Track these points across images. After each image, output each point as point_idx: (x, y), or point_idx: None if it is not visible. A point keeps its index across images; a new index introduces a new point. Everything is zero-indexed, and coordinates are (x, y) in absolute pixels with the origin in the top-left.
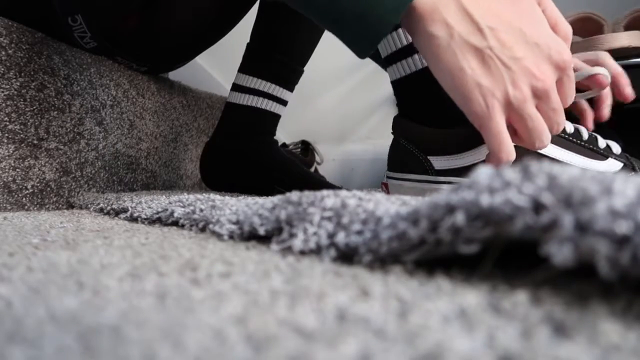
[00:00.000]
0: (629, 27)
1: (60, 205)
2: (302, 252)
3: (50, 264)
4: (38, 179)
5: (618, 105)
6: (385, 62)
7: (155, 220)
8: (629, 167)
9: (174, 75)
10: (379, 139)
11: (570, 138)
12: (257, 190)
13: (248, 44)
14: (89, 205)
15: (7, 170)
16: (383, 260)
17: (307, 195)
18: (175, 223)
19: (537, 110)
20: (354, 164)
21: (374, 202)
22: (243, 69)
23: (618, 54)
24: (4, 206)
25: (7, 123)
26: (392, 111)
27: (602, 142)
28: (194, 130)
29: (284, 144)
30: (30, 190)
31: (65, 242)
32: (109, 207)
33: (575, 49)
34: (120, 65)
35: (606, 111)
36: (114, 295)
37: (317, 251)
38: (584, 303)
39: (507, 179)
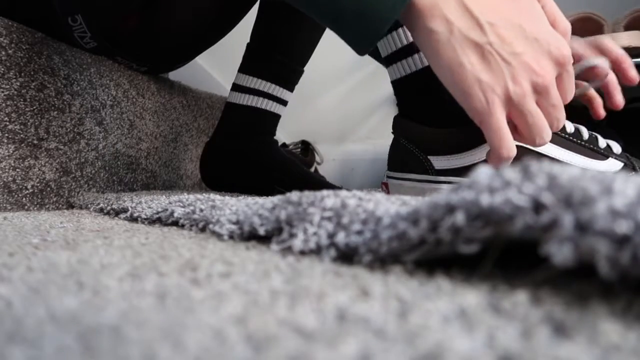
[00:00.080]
0: (629, 27)
1: (60, 205)
2: (302, 252)
3: (50, 264)
4: (38, 179)
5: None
6: (385, 62)
7: (155, 220)
8: (629, 166)
9: (174, 75)
10: (379, 139)
11: (571, 138)
12: (257, 190)
13: (248, 44)
14: (89, 205)
15: (7, 170)
16: (383, 260)
17: (307, 195)
18: (175, 223)
19: (537, 106)
20: (354, 164)
21: (374, 202)
22: (243, 69)
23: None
24: (4, 206)
25: (7, 123)
26: (392, 111)
27: (602, 142)
28: (194, 130)
29: (284, 144)
30: (30, 190)
31: (65, 242)
32: (109, 207)
33: None
34: (120, 65)
35: (619, 97)
36: (114, 295)
37: (317, 251)
38: (584, 303)
39: (507, 179)
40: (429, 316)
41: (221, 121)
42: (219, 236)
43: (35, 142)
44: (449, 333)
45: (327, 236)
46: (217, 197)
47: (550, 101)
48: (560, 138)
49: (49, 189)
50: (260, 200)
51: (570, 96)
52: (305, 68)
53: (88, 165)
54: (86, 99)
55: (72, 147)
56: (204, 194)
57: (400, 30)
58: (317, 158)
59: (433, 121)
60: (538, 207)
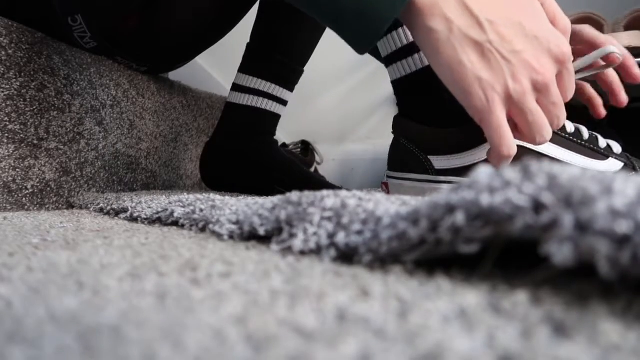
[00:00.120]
0: (629, 27)
1: (60, 205)
2: (302, 252)
3: (50, 264)
4: (38, 179)
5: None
6: (385, 62)
7: (155, 220)
8: (629, 166)
9: (174, 75)
10: (379, 139)
11: (571, 138)
12: (257, 190)
13: (248, 44)
14: (89, 205)
15: (7, 170)
16: (383, 260)
17: (307, 195)
18: (175, 223)
19: (538, 105)
20: (354, 164)
21: (374, 202)
22: (243, 69)
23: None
24: (4, 206)
25: (7, 123)
26: (392, 111)
27: (602, 142)
28: (194, 130)
29: (284, 144)
30: (30, 190)
31: (65, 242)
32: (109, 207)
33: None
34: (120, 65)
35: (623, 95)
36: (114, 295)
37: (317, 251)
38: (584, 303)
39: (507, 179)
40: (429, 316)
41: (221, 121)
42: (219, 236)
43: (35, 142)
44: (449, 333)
45: (327, 236)
46: (217, 197)
47: (551, 99)
48: (561, 138)
49: (49, 189)
50: (260, 200)
51: (570, 94)
52: (305, 68)
53: (88, 165)
54: (86, 99)
55: (72, 147)
56: (204, 194)
57: (400, 30)
58: (317, 158)
59: (433, 121)
60: (538, 207)
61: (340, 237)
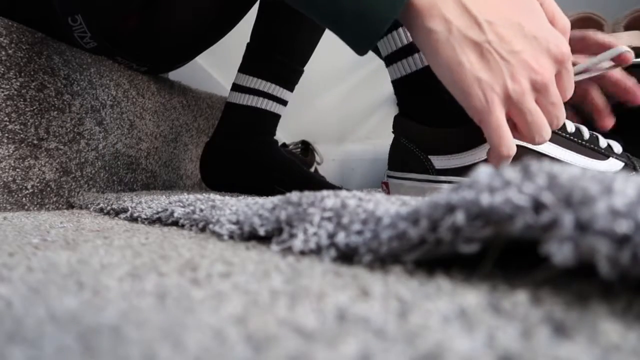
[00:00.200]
0: (629, 27)
1: (60, 205)
2: (302, 252)
3: (50, 264)
4: (38, 179)
5: (618, 105)
6: (385, 62)
7: (155, 220)
8: (630, 166)
9: (174, 75)
10: (379, 139)
11: (572, 137)
12: (257, 190)
13: (248, 44)
14: (89, 205)
15: (7, 170)
16: (383, 260)
17: (307, 195)
18: (175, 223)
19: (537, 105)
20: (354, 164)
21: (374, 202)
22: (243, 68)
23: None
24: (4, 206)
25: (7, 123)
26: (392, 111)
27: (603, 142)
28: (194, 130)
29: (284, 144)
30: (30, 190)
31: (65, 242)
32: (109, 207)
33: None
34: (120, 65)
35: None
36: (114, 295)
37: (317, 251)
38: (584, 303)
39: (507, 179)
40: (429, 316)
41: (221, 121)
42: (219, 236)
43: (35, 142)
44: (449, 333)
45: (327, 236)
46: (217, 197)
47: (550, 99)
48: (561, 138)
49: (49, 189)
50: (260, 200)
51: (569, 93)
52: (305, 68)
53: (88, 165)
54: (86, 99)
55: (72, 147)
56: (204, 194)
57: (400, 29)
58: (317, 158)
59: (433, 121)
60: (538, 206)
61: (340, 237)
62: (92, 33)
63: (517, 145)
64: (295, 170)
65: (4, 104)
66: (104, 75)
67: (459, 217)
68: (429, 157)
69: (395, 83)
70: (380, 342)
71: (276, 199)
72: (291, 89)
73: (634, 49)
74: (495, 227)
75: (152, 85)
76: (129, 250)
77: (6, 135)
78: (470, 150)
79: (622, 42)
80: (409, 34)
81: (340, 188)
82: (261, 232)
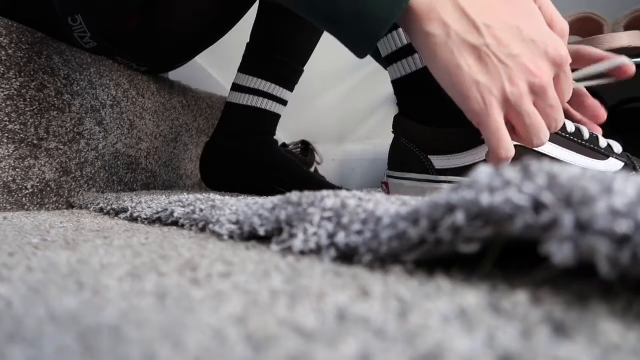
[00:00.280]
0: (629, 27)
1: (60, 205)
2: (302, 252)
3: (50, 264)
4: (38, 179)
5: (618, 105)
6: (385, 62)
7: (155, 220)
8: (630, 166)
9: (174, 75)
10: (379, 139)
11: (572, 137)
12: (257, 190)
13: (248, 44)
14: (89, 205)
15: (7, 170)
16: (383, 260)
17: (307, 195)
18: (175, 223)
19: (535, 108)
20: (354, 164)
21: (374, 202)
22: (243, 68)
23: (618, 54)
24: (4, 206)
25: (7, 123)
26: (392, 111)
27: (603, 142)
28: (194, 130)
29: (284, 144)
30: (30, 190)
31: (65, 242)
32: (109, 207)
33: None
34: (120, 65)
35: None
36: (114, 295)
37: (317, 251)
38: (584, 303)
39: (507, 179)
40: (429, 316)
41: (221, 121)
42: (219, 236)
43: (35, 142)
44: (449, 333)
45: (327, 236)
46: (217, 197)
47: (548, 102)
48: (561, 138)
49: (49, 189)
50: (260, 200)
51: (567, 96)
52: (305, 68)
53: (88, 165)
54: (86, 99)
55: (72, 147)
56: (204, 194)
57: (400, 30)
58: (317, 158)
59: (433, 121)
60: (538, 206)
61: (340, 237)
62: (92, 33)
63: (517, 146)
64: (295, 170)
65: (4, 104)
66: (104, 75)
67: (459, 217)
68: (429, 157)
69: (395, 83)
70: (380, 342)
71: (276, 199)
72: (291, 89)
73: (634, 49)
74: (495, 227)
75: (152, 85)
76: (129, 250)
77: (6, 135)
78: (470, 151)
79: (622, 42)
80: None
81: (340, 188)
82: (261, 232)
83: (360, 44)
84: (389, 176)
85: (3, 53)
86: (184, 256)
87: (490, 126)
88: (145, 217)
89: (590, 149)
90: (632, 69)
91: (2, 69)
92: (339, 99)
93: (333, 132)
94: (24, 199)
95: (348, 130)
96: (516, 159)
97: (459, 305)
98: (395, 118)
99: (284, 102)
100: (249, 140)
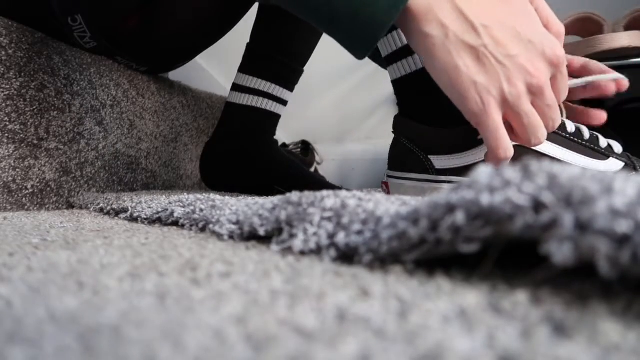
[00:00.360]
0: (629, 27)
1: (60, 205)
2: (302, 252)
3: (50, 264)
4: (38, 179)
5: (618, 105)
6: (385, 62)
7: (155, 220)
8: (630, 166)
9: (174, 75)
10: (379, 139)
11: (572, 137)
12: (257, 190)
13: (248, 44)
14: (89, 205)
15: (7, 170)
16: (383, 260)
17: (307, 195)
18: (175, 223)
19: (533, 107)
20: (354, 164)
21: (374, 202)
22: (243, 68)
23: (618, 54)
24: (4, 206)
25: (7, 123)
26: (392, 111)
27: (603, 142)
28: (194, 130)
29: (284, 144)
30: (30, 190)
31: (65, 242)
32: (109, 207)
33: (575, 49)
34: (120, 65)
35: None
36: (114, 295)
37: (317, 251)
38: (584, 303)
39: (507, 178)
40: (429, 316)
41: (221, 121)
42: (219, 236)
43: (35, 142)
44: (449, 333)
45: (327, 236)
46: (217, 197)
47: (545, 101)
48: (561, 138)
49: (49, 189)
50: (260, 200)
51: (564, 96)
52: (305, 68)
53: (88, 165)
54: (86, 99)
55: (72, 147)
56: (204, 194)
57: (400, 30)
58: (317, 158)
59: (433, 121)
60: (538, 206)
61: (340, 237)
62: (92, 33)
63: (518, 146)
64: (295, 170)
65: (4, 104)
66: (104, 75)
67: (459, 217)
68: (429, 157)
69: (395, 83)
70: (380, 342)
71: (276, 199)
72: (291, 89)
73: (634, 49)
74: (495, 227)
75: (152, 85)
76: (129, 250)
77: (6, 135)
78: (470, 150)
79: (622, 42)
80: None
81: (340, 188)
82: (261, 232)
83: (359, 45)
84: (389, 176)
85: (3, 53)
86: (184, 256)
87: (488, 126)
88: (145, 217)
89: (590, 149)
90: (625, 85)
91: (2, 69)
92: (339, 99)
93: (333, 132)
94: (24, 199)
95: (348, 130)
96: (516, 159)
97: (459, 305)
98: (395, 118)
99: (284, 102)
100: (249, 140)
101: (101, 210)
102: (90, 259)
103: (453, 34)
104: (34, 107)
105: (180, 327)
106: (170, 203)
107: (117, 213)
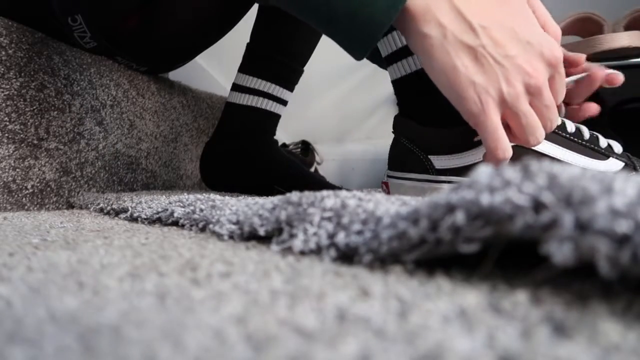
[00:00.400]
0: (629, 27)
1: (60, 205)
2: (302, 252)
3: (50, 264)
4: (38, 179)
5: (618, 105)
6: (385, 62)
7: (155, 220)
8: (630, 166)
9: (174, 75)
10: (379, 139)
11: (572, 137)
12: (257, 190)
13: (248, 44)
14: (89, 205)
15: (7, 170)
16: (383, 260)
17: (307, 195)
18: (175, 223)
19: (531, 107)
20: (354, 164)
21: (374, 202)
22: (243, 68)
23: (618, 54)
24: (4, 206)
25: (7, 123)
26: (392, 111)
27: (603, 142)
28: (194, 130)
29: (284, 144)
30: (30, 190)
31: (65, 242)
32: (109, 207)
33: (575, 49)
34: (120, 65)
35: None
36: (114, 295)
37: (317, 251)
38: (584, 303)
39: (507, 178)
40: (429, 316)
41: (221, 121)
42: (219, 236)
43: (35, 142)
44: (449, 333)
45: (327, 236)
46: (217, 197)
47: (543, 102)
48: (561, 137)
49: (49, 189)
50: (260, 200)
51: (562, 97)
52: (305, 68)
53: (88, 165)
54: (86, 99)
55: (72, 147)
56: (204, 194)
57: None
58: (317, 158)
59: (433, 121)
60: (538, 206)
61: (340, 237)
62: (92, 33)
63: (518, 146)
64: (295, 170)
65: (4, 104)
66: (104, 75)
67: (459, 217)
68: (429, 157)
69: (395, 83)
70: (380, 342)
71: (276, 199)
72: (291, 89)
73: (634, 49)
74: (495, 227)
75: (152, 85)
76: (129, 250)
77: (6, 135)
78: (470, 150)
79: (622, 42)
80: None
81: (340, 188)
82: (261, 232)
83: (357, 46)
84: (389, 176)
85: (3, 53)
86: (184, 256)
87: (487, 126)
88: (145, 217)
89: (590, 149)
90: (619, 80)
91: (2, 69)
92: (339, 99)
93: (333, 132)
94: (24, 199)
95: (348, 130)
96: (516, 159)
97: (459, 305)
98: (395, 118)
99: (284, 102)
100: (249, 140)
101: (101, 210)
102: (90, 259)
103: (451, 34)
104: (34, 107)
105: (180, 327)
106: (170, 203)
107: (117, 213)
